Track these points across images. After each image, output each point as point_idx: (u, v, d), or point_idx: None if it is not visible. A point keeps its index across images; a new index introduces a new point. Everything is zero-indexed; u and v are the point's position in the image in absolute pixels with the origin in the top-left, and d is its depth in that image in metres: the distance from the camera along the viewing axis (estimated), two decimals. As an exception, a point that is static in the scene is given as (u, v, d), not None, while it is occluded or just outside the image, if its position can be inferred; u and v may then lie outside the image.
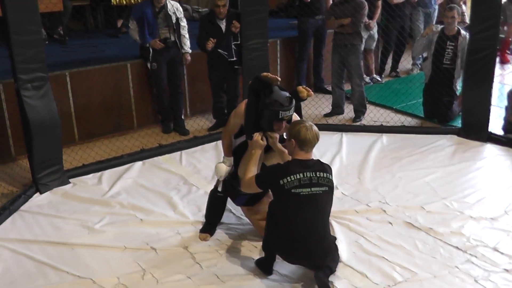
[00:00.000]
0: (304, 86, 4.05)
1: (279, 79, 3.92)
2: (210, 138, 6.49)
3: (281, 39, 8.11)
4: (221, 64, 6.62)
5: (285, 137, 4.02)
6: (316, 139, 3.71)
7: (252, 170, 3.85)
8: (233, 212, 4.79)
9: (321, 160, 3.86)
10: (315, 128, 3.73)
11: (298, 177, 3.62)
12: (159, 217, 4.77)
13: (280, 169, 3.70)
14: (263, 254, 3.99)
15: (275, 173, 3.68)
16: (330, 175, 3.75)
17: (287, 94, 3.92)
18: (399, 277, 3.90)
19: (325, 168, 3.75)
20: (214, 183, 4.83)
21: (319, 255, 3.74)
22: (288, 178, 3.61)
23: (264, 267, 3.95)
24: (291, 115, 3.93)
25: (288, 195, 3.61)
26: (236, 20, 6.42)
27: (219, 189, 4.37)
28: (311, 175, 3.65)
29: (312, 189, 3.63)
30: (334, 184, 3.84)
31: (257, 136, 3.89)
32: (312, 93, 4.12)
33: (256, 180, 3.75)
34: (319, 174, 3.68)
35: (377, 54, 8.79)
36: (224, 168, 4.27)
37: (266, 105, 3.83)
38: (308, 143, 3.69)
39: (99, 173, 5.66)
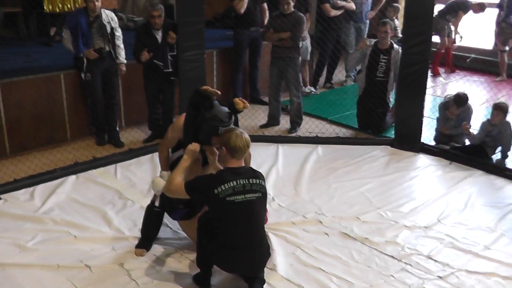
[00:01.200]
0: (240, 98, 4.10)
1: (219, 92, 3.93)
2: (146, 150, 6.40)
3: (218, 50, 8.11)
4: (157, 75, 6.55)
5: None
6: (246, 146, 3.74)
7: (178, 176, 3.79)
8: (170, 226, 4.73)
9: None
10: (245, 135, 3.76)
11: (231, 184, 3.63)
12: (94, 233, 4.66)
13: (214, 178, 3.72)
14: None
15: (209, 182, 3.69)
16: (262, 181, 3.80)
17: (227, 109, 3.93)
18: (336, 288, 3.95)
19: (257, 175, 3.79)
20: (150, 196, 4.77)
21: (259, 261, 3.79)
22: (222, 186, 3.62)
23: (201, 283, 3.92)
24: None
25: (223, 203, 3.62)
26: (172, 31, 6.37)
27: (156, 204, 4.30)
28: (244, 182, 3.68)
29: (246, 195, 3.66)
30: (269, 194, 3.85)
31: (194, 145, 3.87)
32: (248, 105, 4.15)
33: (187, 187, 3.71)
34: (252, 181, 3.71)
35: (311, 65, 8.91)
36: (161, 183, 4.20)
37: (206, 119, 3.84)
38: (239, 151, 3.71)
39: (32, 188, 5.48)
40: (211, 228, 3.75)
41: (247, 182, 3.69)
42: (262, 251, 3.81)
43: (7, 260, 4.25)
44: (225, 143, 3.71)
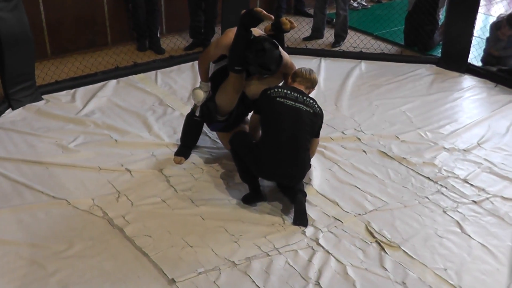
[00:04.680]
0: (288, 18, 4.02)
1: (273, 17, 3.83)
2: (187, 58, 6.37)
3: (264, -43, 7.86)
4: (200, -18, 6.41)
5: None
6: (309, 77, 3.99)
7: None
8: (209, 135, 4.77)
9: None
10: (312, 71, 4.04)
11: (285, 91, 3.85)
12: (134, 138, 4.73)
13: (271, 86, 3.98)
14: (237, 180, 4.01)
15: (265, 88, 3.94)
16: (317, 106, 3.91)
17: (278, 53, 3.91)
18: (370, 206, 3.98)
19: (314, 100, 3.93)
20: (190, 105, 4.80)
21: (299, 166, 3.84)
22: (276, 89, 3.87)
23: (253, 197, 3.93)
24: None
25: (273, 102, 3.79)
26: None
27: (197, 113, 4.32)
28: (298, 96, 3.85)
29: (297, 104, 3.81)
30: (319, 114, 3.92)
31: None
32: (295, 25, 4.08)
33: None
34: (306, 98, 3.87)
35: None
36: (202, 94, 4.21)
37: (254, 63, 3.88)
38: (301, 76, 3.99)
39: (73, 90, 5.55)
40: (249, 142, 3.88)
41: (301, 97, 3.84)
42: (304, 158, 3.85)
43: (50, 159, 4.37)
44: (293, 72, 4.05)
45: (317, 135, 3.98)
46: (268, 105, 3.82)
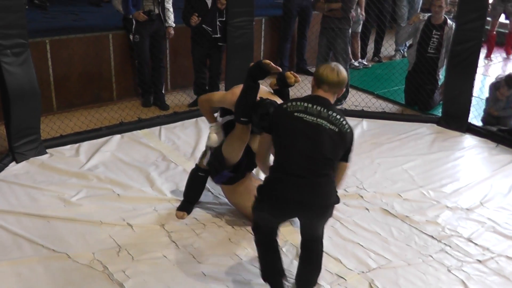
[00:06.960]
0: (292, 72, 4.08)
1: (280, 69, 3.86)
2: (190, 114, 6.44)
3: (267, 17, 8.04)
4: (205, 40, 6.54)
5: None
6: (337, 81, 3.15)
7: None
8: (211, 191, 4.77)
9: None
10: (341, 70, 3.18)
11: (305, 105, 3.12)
12: (136, 193, 4.73)
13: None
14: (240, 236, 3.98)
15: (281, 103, 3.47)
16: (345, 122, 3.15)
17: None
18: (373, 263, 3.94)
19: (342, 115, 3.16)
20: (193, 160, 4.82)
21: (316, 193, 3.14)
22: (294, 102, 3.16)
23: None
24: None
25: (290, 117, 3.12)
26: (223, -4, 6.33)
27: (205, 162, 4.32)
28: (321, 109, 3.10)
29: (319, 120, 3.08)
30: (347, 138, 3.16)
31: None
32: (300, 79, 4.12)
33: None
34: (332, 113, 3.11)
35: (362, 38, 8.78)
36: (215, 136, 4.18)
37: (258, 126, 3.84)
38: (327, 82, 3.15)
39: (77, 144, 5.59)
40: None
41: (325, 111, 3.10)
42: (324, 184, 3.16)
43: (51, 213, 4.36)
44: (316, 71, 3.25)
45: (345, 159, 3.22)
46: (283, 121, 3.15)
